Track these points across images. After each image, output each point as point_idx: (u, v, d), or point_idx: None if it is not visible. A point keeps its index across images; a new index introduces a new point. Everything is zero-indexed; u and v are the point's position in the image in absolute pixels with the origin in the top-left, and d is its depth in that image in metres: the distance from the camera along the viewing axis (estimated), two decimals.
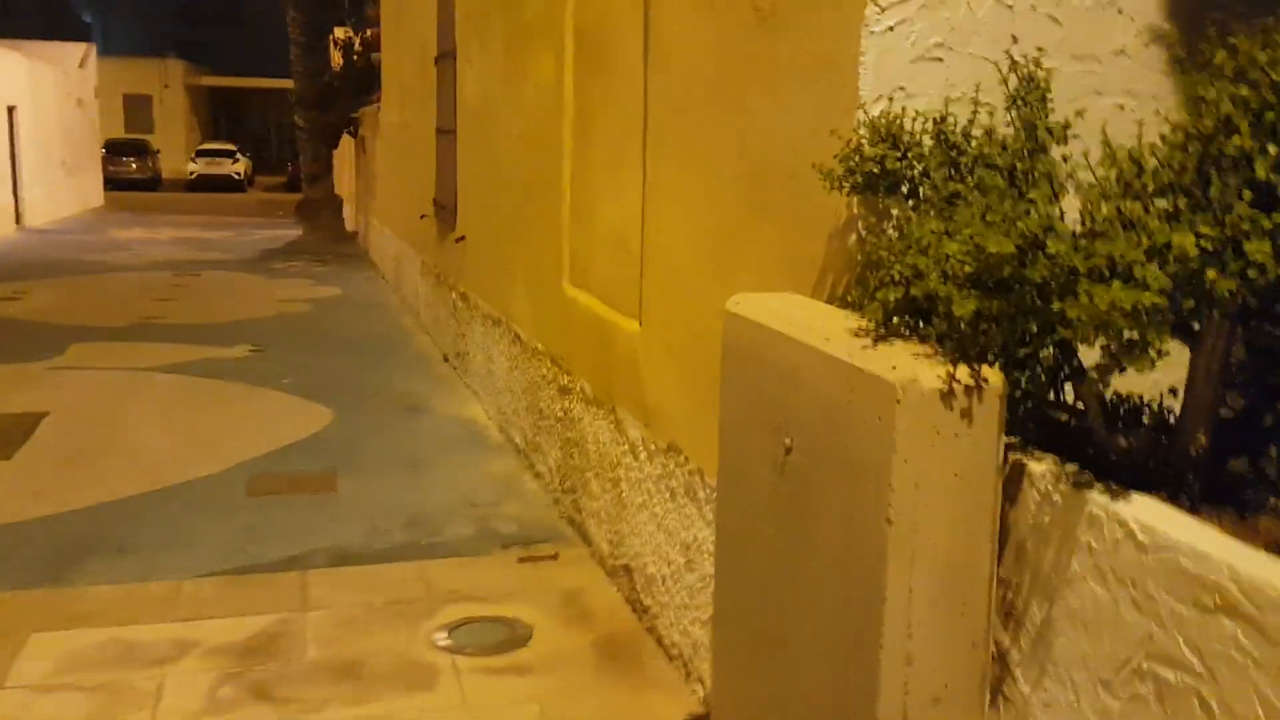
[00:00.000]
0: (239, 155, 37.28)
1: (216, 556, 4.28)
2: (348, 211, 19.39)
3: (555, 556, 4.25)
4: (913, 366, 1.69)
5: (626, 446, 3.73)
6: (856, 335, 1.85)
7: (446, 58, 7.78)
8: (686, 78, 3.11)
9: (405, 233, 10.86)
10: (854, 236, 2.25)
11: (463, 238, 7.11)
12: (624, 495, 3.76)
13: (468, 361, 7.16)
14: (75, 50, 27.06)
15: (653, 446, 3.46)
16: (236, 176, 36.27)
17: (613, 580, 3.95)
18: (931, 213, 1.92)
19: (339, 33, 19.55)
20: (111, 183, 30.91)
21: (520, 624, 3.68)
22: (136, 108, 43.60)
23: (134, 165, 34.30)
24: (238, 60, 47.80)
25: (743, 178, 2.74)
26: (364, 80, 17.34)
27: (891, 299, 1.83)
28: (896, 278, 1.85)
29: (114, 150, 33.34)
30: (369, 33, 16.95)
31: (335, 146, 18.97)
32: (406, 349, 8.83)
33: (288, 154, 41.96)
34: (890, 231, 2.19)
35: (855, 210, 2.25)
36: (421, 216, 9.00)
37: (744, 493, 2.17)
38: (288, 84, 28.55)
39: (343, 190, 20.44)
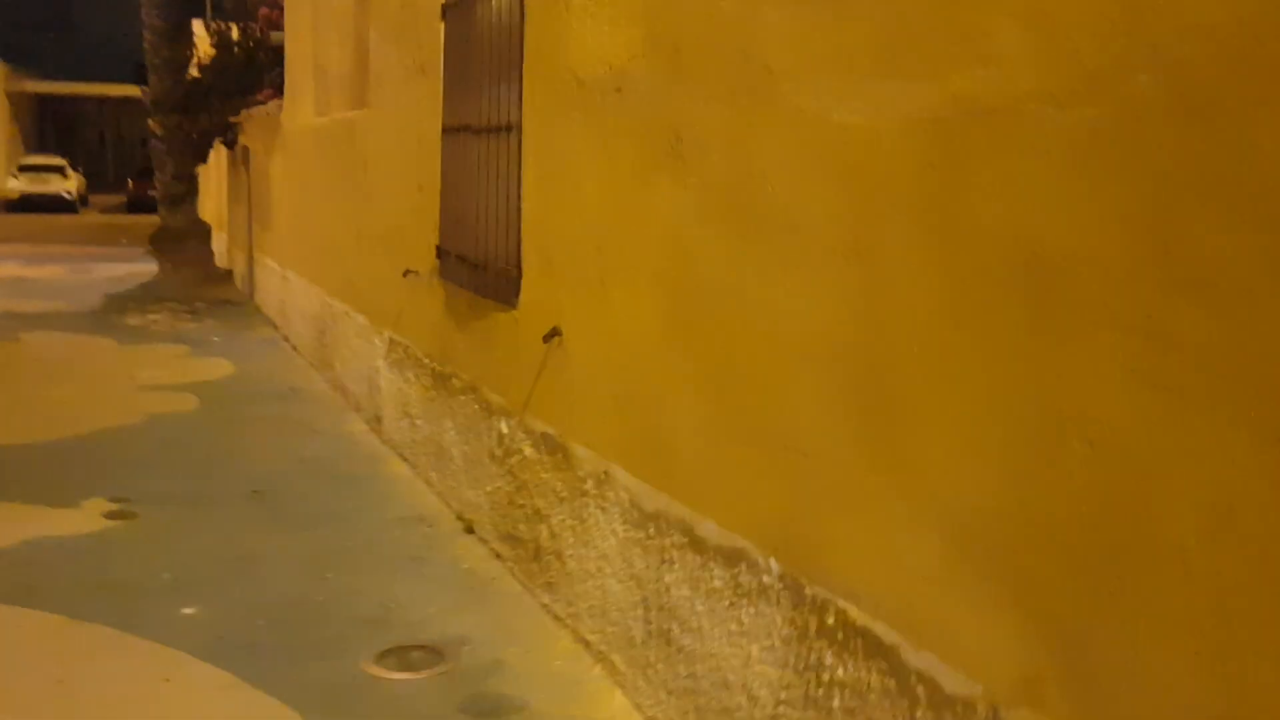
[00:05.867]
0: (70, 170, 32.08)
1: None
2: (218, 243, 15.31)
3: None
4: None
5: None
6: None
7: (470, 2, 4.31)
8: None
9: (343, 288, 7.22)
10: None
11: (557, 333, 3.62)
12: None
13: (560, 572, 3.67)
14: None
15: None
16: (68, 195, 31.14)
17: None
18: None
19: (198, 28, 15.56)
20: None
21: None
22: None
23: None
24: (68, 66, 42.23)
25: None
26: (245, 77, 13.41)
27: None
28: None
29: None
30: (260, 14, 13.03)
31: (204, 161, 14.90)
32: (384, 500, 5.21)
33: (127, 170, 36.73)
34: None
35: None
36: (406, 273, 5.41)
37: None
38: (127, 90, 24.05)
39: (208, 215, 16.31)
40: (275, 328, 10.35)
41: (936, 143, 1.93)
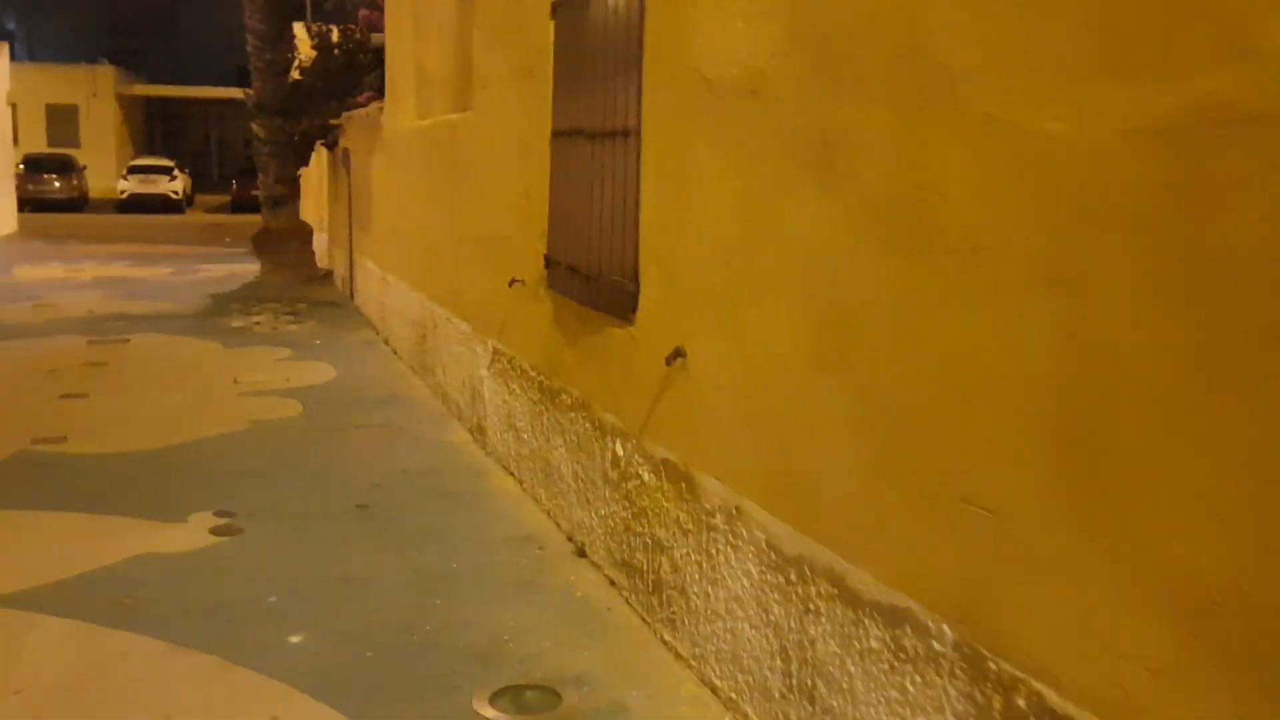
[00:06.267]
0: (177, 172, 32.96)
1: None
2: (319, 244, 15.45)
3: None
4: None
5: None
6: None
7: None
8: None
9: (444, 293, 7.09)
10: None
11: (680, 354, 3.38)
12: None
13: (684, 609, 3.42)
14: None
15: None
16: (174, 196, 31.98)
17: None
18: None
19: (299, 30, 15.70)
20: (31, 204, 26.97)
21: None
22: (60, 119, 38.99)
23: (56, 184, 30.00)
24: (174, 69, 43.63)
25: None
26: (346, 79, 13.48)
27: None
28: None
29: (33, 167, 29.14)
30: (360, 16, 13.07)
31: (306, 163, 15.04)
32: (491, 517, 5.04)
33: (230, 170, 37.70)
34: None
35: None
36: (511, 282, 5.23)
37: None
38: (230, 93, 24.68)
39: (309, 216, 16.49)
40: (375, 330, 10.33)
41: (1171, 156, 1.62)
